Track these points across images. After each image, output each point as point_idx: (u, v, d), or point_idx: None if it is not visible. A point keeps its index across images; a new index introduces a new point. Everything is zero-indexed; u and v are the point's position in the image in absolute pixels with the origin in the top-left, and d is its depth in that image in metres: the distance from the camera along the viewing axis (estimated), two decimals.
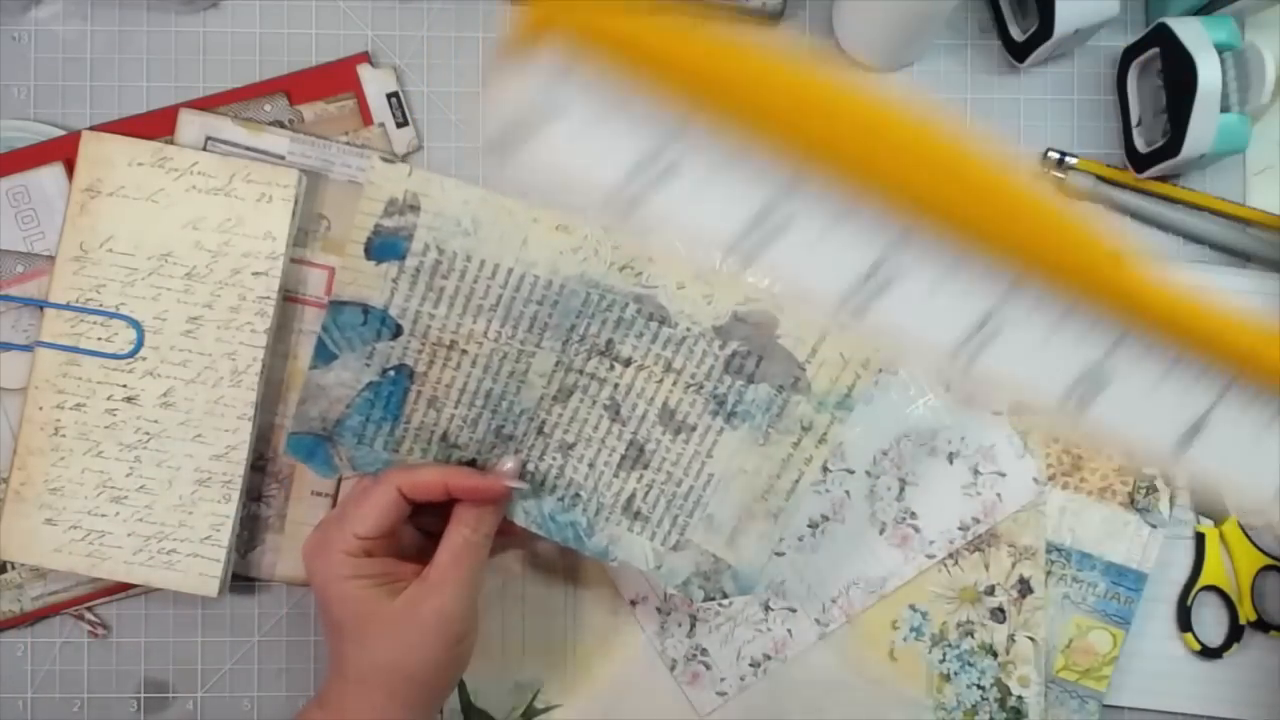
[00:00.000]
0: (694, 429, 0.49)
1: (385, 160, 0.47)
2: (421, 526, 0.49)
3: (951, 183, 0.26)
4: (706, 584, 0.50)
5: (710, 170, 0.26)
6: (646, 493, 0.50)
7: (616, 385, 0.49)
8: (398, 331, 0.48)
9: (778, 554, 0.56)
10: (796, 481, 0.49)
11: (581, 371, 0.48)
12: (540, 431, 0.49)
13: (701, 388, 0.48)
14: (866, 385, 0.47)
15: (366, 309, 0.48)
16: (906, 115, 0.26)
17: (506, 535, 0.51)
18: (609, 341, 0.48)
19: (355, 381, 0.49)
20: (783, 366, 0.48)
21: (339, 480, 0.55)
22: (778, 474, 0.49)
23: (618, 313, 0.48)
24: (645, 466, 0.49)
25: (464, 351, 0.48)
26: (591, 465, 0.49)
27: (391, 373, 0.49)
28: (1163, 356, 0.26)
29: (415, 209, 0.47)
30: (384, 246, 0.47)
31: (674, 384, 0.48)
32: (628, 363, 0.48)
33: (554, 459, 0.50)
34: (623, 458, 0.49)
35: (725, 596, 0.50)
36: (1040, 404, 0.28)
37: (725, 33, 0.27)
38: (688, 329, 0.48)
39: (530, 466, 0.50)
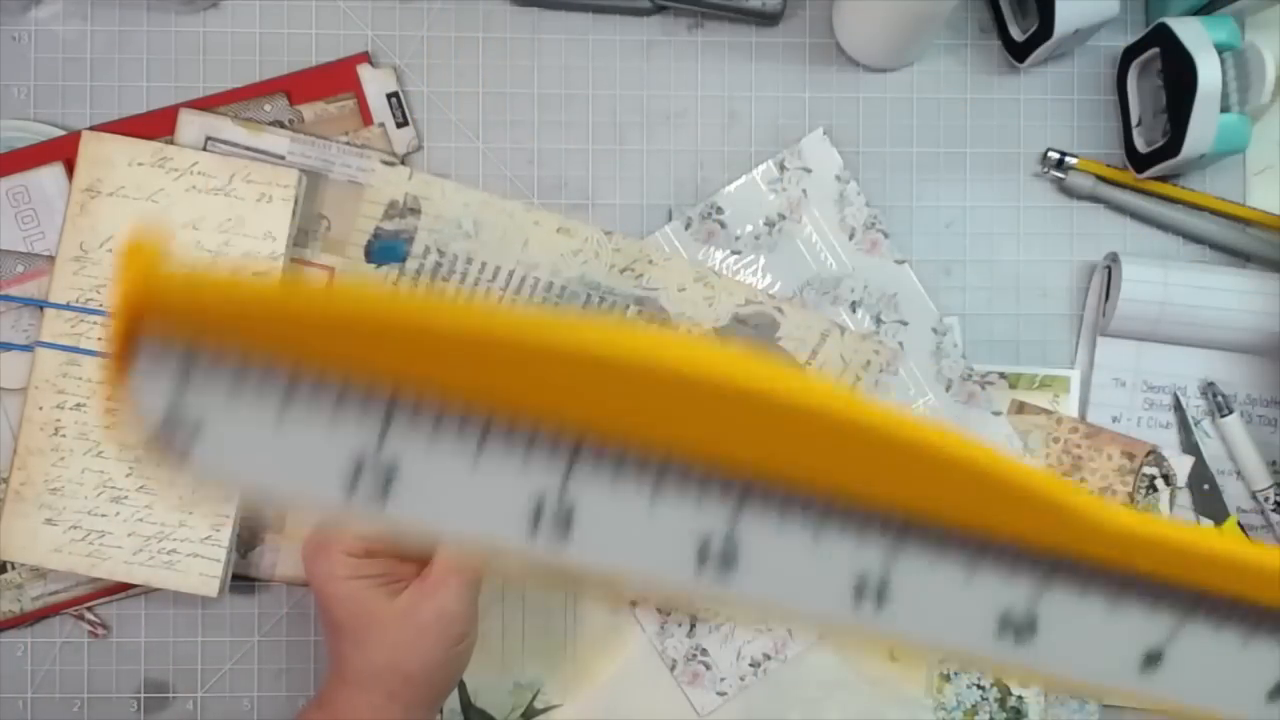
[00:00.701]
0: None
1: (386, 163, 0.47)
2: None
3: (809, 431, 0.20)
4: None
5: (445, 460, 0.19)
6: None
7: None
8: None
9: None
10: None
11: None
12: None
13: None
14: (867, 388, 0.47)
15: None
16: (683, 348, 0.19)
17: None
18: None
19: None
20: None
21: None
22: None
23: (619, 316, 0.48)
24: None
25: None
26: None
27: None
28: (1104, 587, 0.22)
29: (416, 212, 0.47)
30: (384, 250, 0.47)
31: None
32: None
33: None
34: None
35: None
36: (969, 656, 0.23)
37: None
38: (688, 331, 0.47)
39: None
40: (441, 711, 0.56)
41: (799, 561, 0.21)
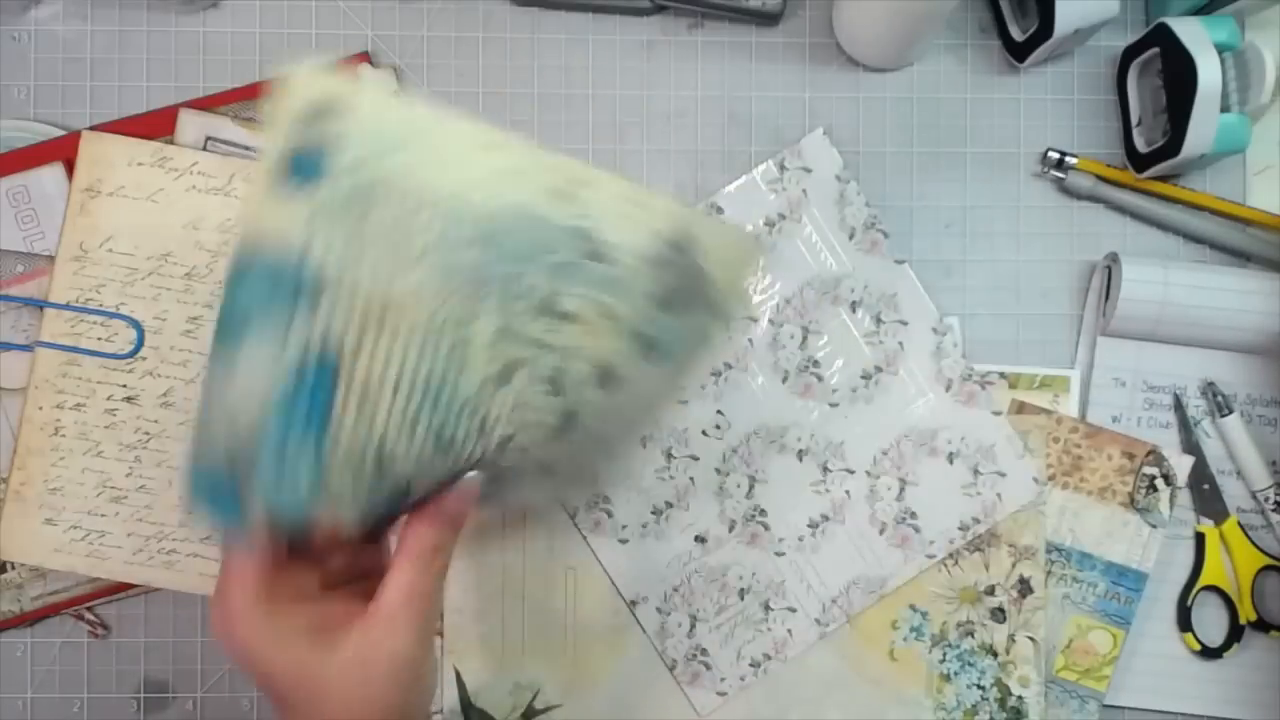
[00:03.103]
0: (624, 380, 0.41)
1: (299, 68, 0.38)
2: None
3: None
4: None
5: None
6: (570, 454, 0.43)
7: (562, 350, 0.40)
8: (318, 290, 0.37)
9: (778, 554, 0.56)
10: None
11: (527, 339, 0.40)
12: (481, 430, 0.40)
13: (638, 335, 0.41)
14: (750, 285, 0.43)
15: (277, 269, 0.37)
16: None
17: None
18: (553, 294, 0.40)
19: (268, 374, 0.37)
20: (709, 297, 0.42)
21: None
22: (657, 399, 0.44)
23: (560, 255, 0.40)
24: (574, 431, 0.42)
25: (397, 319, 0.38)
26: (524, 450, 0.41)
27: (312, 363, 0.37)
28: None
29: (339, 116, 0.38)
30: (303, 164, 0.37)
31: (612, 333, 0.41)
32: (572, 318, 0.40)
33: (494, 455, 0.41)
34: (553, 429, 0.41)
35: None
36: None
37: None
38: (626, 265, 0.40)
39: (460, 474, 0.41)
40: (442, 711, 0.56)
41: None
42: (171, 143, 0.55)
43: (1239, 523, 0.57)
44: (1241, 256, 0.58)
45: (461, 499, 0.40)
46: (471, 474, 0.40)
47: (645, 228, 0.40)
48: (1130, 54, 0.57)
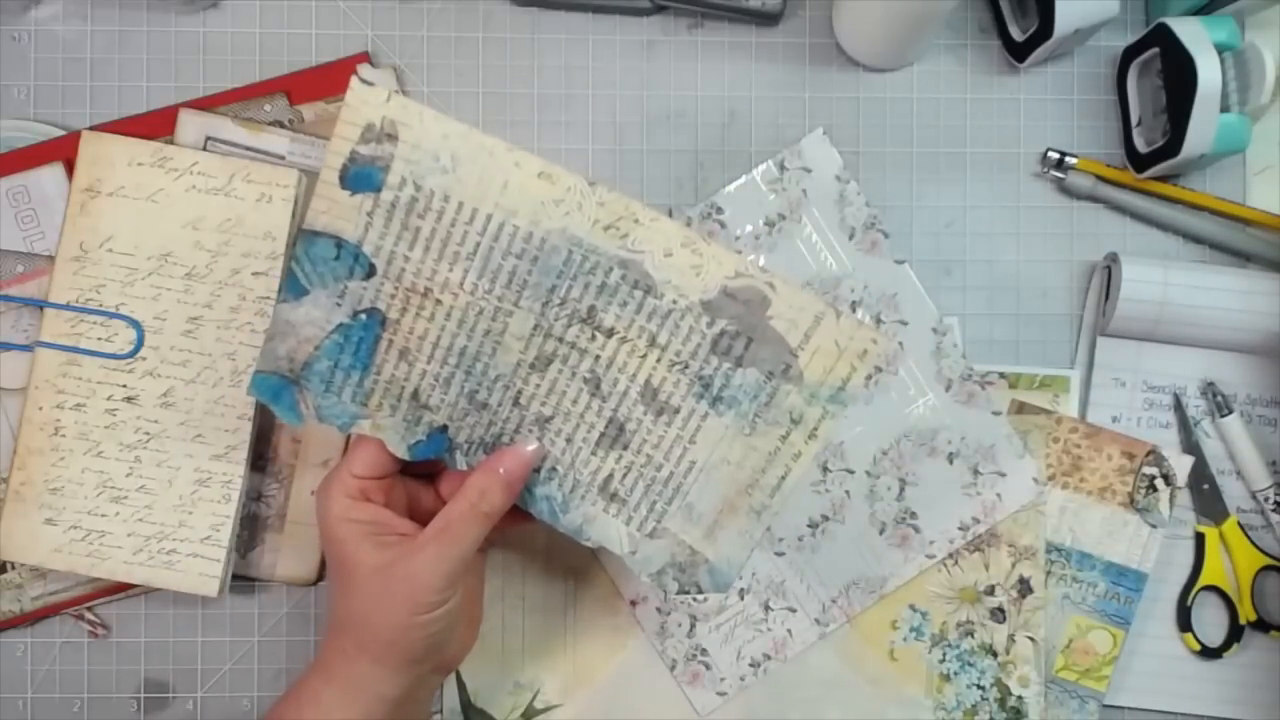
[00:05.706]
0: (677, 411, 0.45)
1: (364, 81, 0.43)
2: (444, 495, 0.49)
3: None
4: (681, 576, 0.47)
5: None
6: (625, 474, 0.47)
7: (598, 357, 0.45)
8: (371, 271, 0.45)
9: (778, 554, 0.56)
10: (783, 478, 0.46)
11: (561, 339, 0.45)
12: (516, 403, 0.46)
13: (686, 367, 0.45)
14: (862, 378, 0.44)
15: (340, 243, 0.44)
16: None
17: (527, 523, 0.49)
18: (591, 308, 0.45)
19: (325, 321, 0.46)
20: (773, 351, 0.44)
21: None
22: (763, 468, 0.46)
23: (601, 277, 0.44)
24: (625, 447, 0.46)
25: (438, 301, 0.45)
26: (569, 440, 0.47)
27: (363, 316, 0.45)
28: None
29: (393, 138, 0.43)
30: (359, 176, 0.43)
31: (658, 361, 0.45)
32: (610, 333, 0.45)
33: (531, 432, 0.47)
34: (601, 435, 0.46)
35: (700, 591, 0.47)
36: None
37: None
38: (674, 301, 0.44)
39: (505, 439, 0.47)
40: (442, 711, 0.56)
41: None
42: (171, 143, 0.55)
43: (1239, 523, 0.57)
44: (1241, 256, 0.58)
45: (513, 456, 0.46)
46: (532, 444, 0.46)
47: (698, 271, 0.44)
48: (1130, 54, 0.57)
